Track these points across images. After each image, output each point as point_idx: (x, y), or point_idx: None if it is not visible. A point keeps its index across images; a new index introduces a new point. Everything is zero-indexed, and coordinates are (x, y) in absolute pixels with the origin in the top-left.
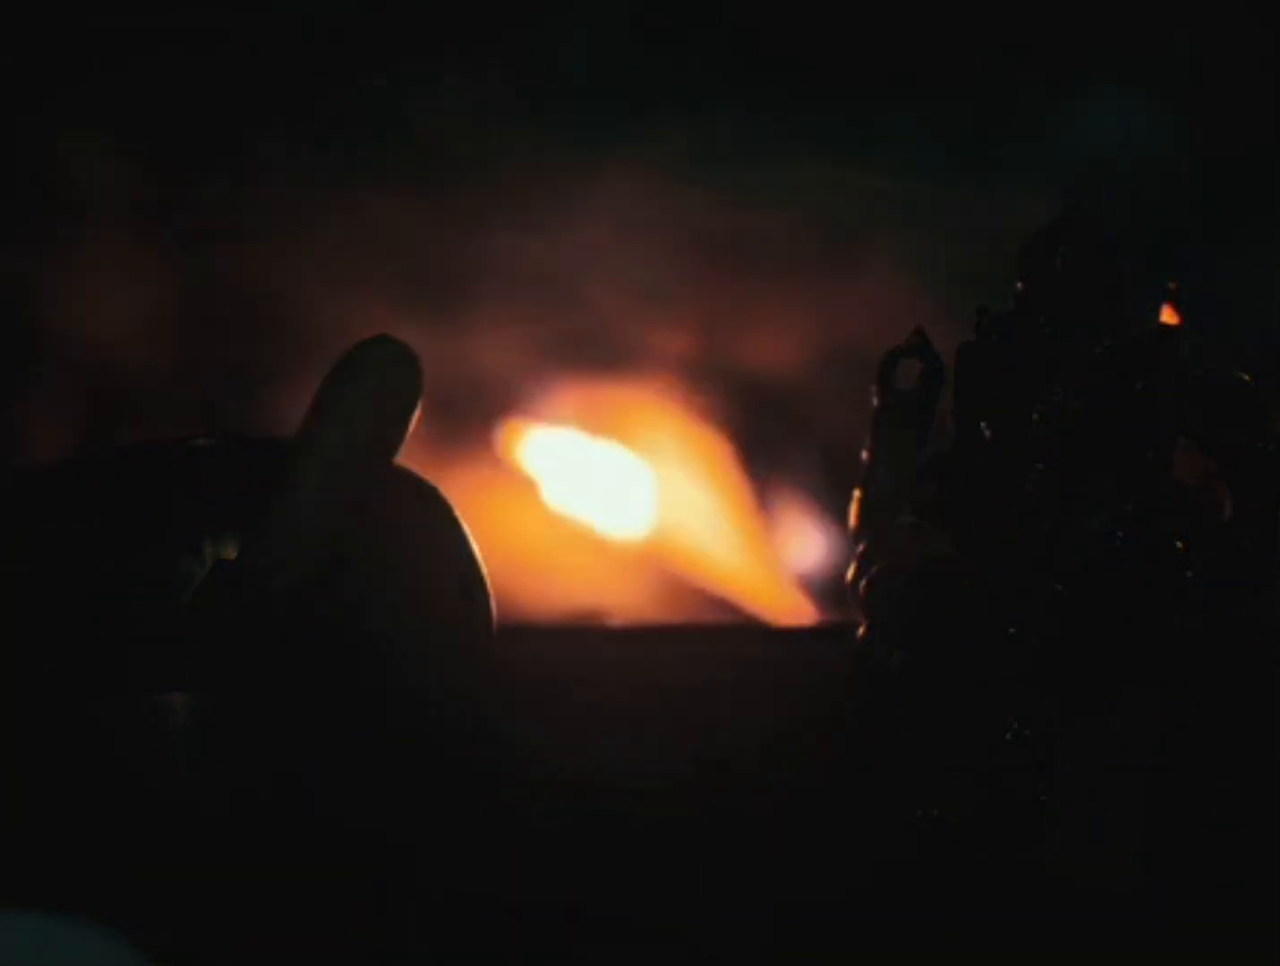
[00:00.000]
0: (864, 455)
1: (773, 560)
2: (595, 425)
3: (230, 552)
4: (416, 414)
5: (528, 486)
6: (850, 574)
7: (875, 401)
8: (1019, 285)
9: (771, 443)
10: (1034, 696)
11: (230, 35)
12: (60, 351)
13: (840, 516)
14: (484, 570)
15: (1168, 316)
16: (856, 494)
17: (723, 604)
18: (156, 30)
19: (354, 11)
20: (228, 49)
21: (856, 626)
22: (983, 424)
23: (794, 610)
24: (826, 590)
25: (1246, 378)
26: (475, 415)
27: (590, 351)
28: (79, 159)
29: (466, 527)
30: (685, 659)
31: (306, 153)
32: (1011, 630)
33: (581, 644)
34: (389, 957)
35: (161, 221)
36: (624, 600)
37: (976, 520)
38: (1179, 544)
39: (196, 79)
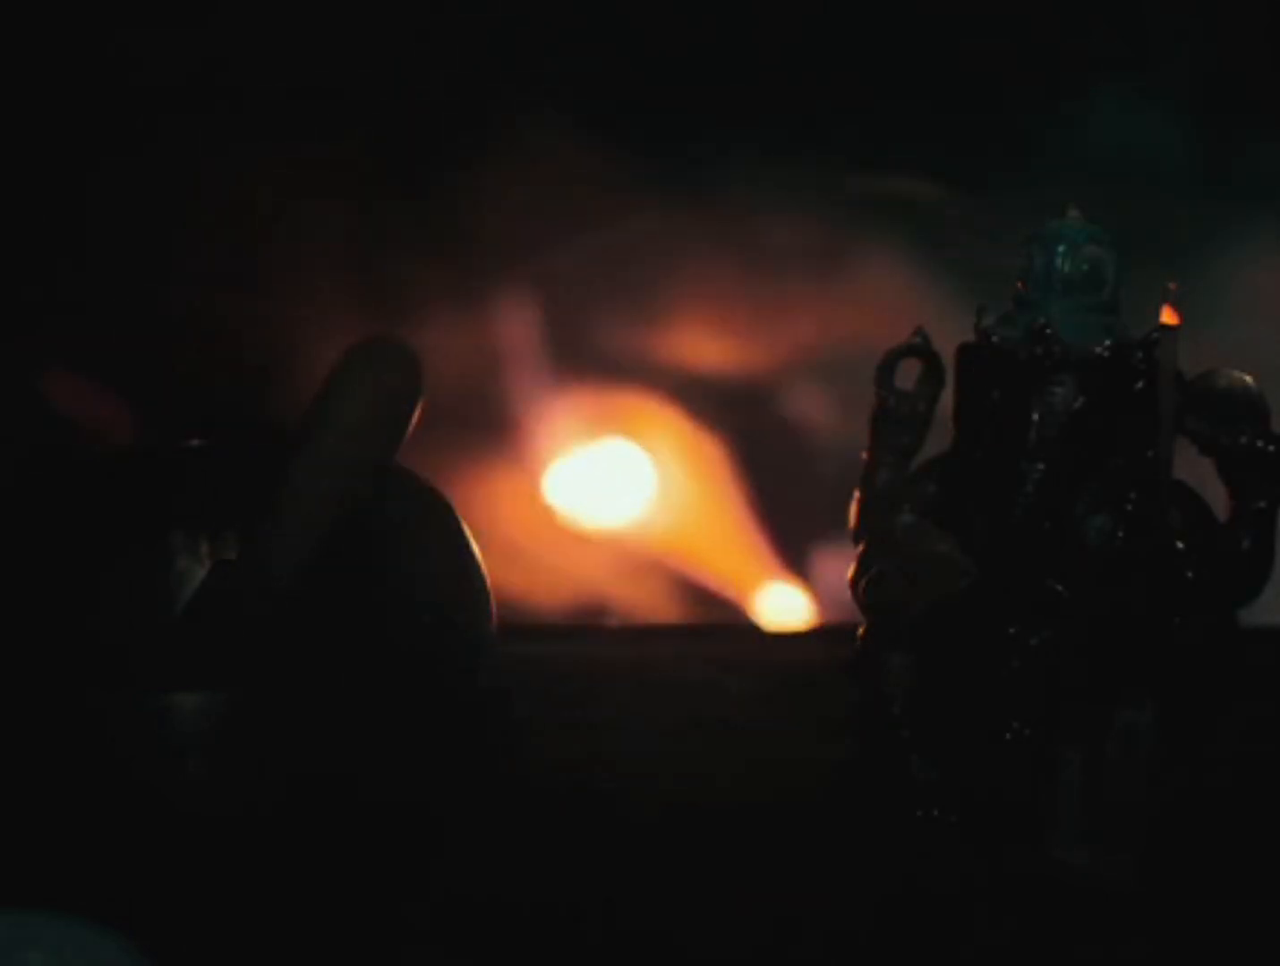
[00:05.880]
0: (864, 455)
1: (772, 560)
2: (596, 427)
3: (230, 552)
4: (416, 414)
5: (529, 487)
6: (850, 574)
7: (875, 401)
8: (1018, 285)
9: (771, 443)
10: (1034, 696)
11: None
12: None
13: (840, 516)
14: (485, 570)
15: (1168, 316)
16: (856, 494)
17: (722, 604)
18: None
19: None
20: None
21: (856, 626)
22: (982, 423)
23: (794, 610)
24: (826, 590)
25: (1246, 378)
26: (477, 417)
27: (592, 354)
28: None
29: (468, 528)
30: (685, 659)
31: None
32: (1011, 630)
33: (581, 643)
34: (391, 954)
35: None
36: (623, 600)
37: (976, 520)
38: (1179, 544)
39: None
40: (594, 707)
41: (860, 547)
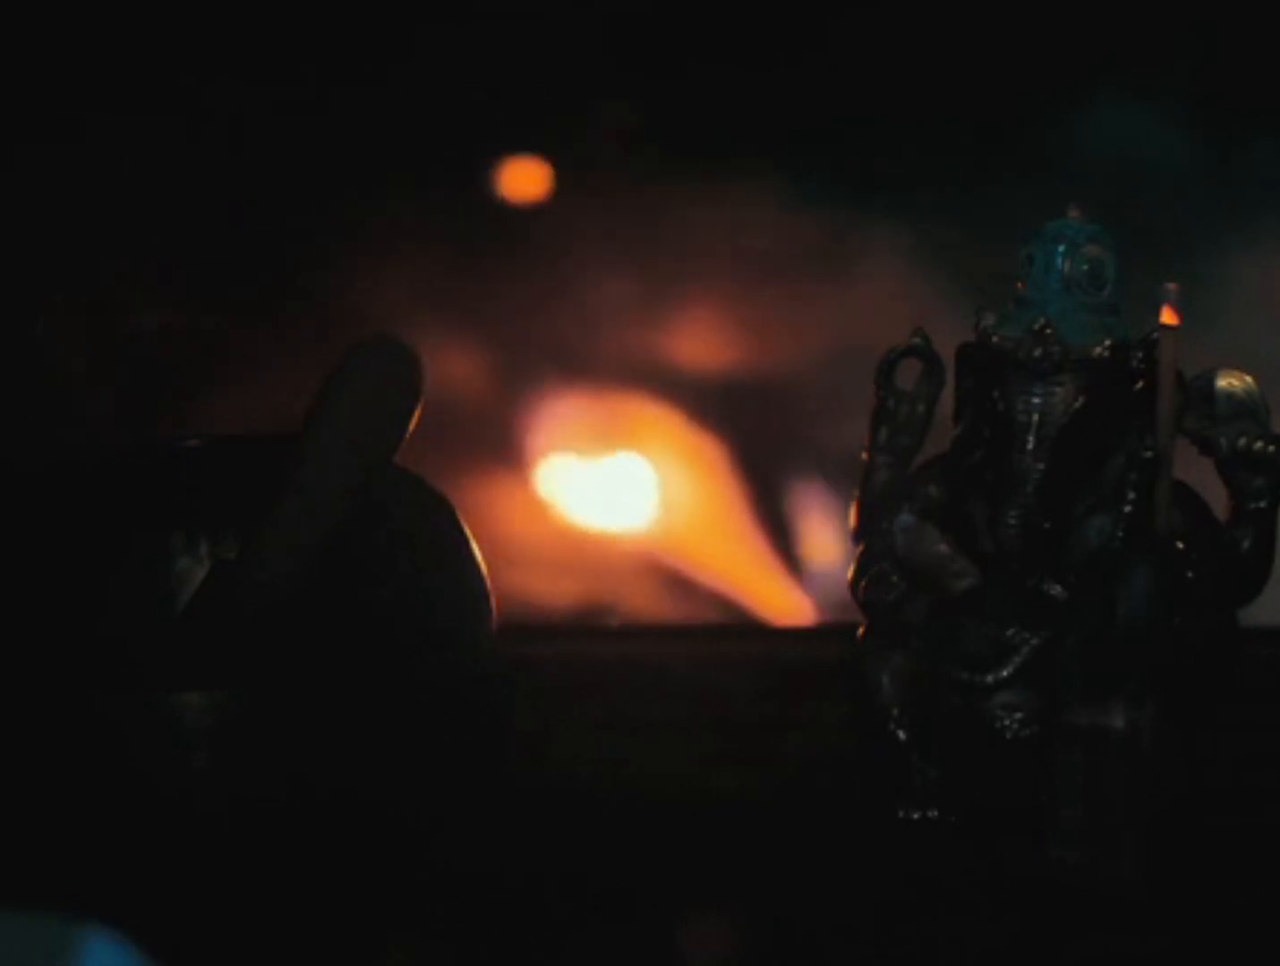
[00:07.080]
0: (864, 455)
1: (773, 560)
2: (597, 428)
3: (230, 552)
4: (417, 412)
5: (529, 488)
6: (850, 574)
7: (875, 402)
8: (1018, 285)
9: (772, 444)
10: (1034, 696)
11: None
12: None
13: (840, 516)
14: (485, 570)
15: (1168, 316)
16: (856, 494)
17: (723, 603)
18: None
19: None
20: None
21: (856, 626)
22: (982, 423)
23: (794, 610)
24: (826, 590)
25: (1246, 378)
26: (478, 417)
27: (594, 356)
28: None
29: (468, 529)
30: (685, 658)
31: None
32: (1011, 630)
33: (581, 643)
34: (388, 949)
35: None
36: (623, 600)
37: (976, 521)
38: (1179, 544)
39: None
40: (593, 708)
41: (860, 548)
